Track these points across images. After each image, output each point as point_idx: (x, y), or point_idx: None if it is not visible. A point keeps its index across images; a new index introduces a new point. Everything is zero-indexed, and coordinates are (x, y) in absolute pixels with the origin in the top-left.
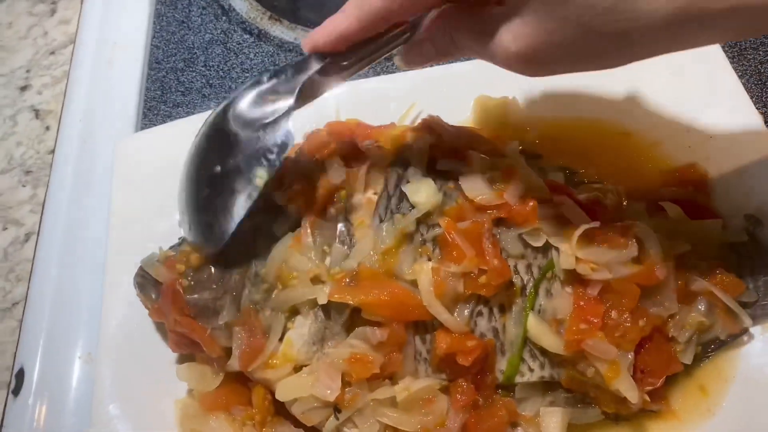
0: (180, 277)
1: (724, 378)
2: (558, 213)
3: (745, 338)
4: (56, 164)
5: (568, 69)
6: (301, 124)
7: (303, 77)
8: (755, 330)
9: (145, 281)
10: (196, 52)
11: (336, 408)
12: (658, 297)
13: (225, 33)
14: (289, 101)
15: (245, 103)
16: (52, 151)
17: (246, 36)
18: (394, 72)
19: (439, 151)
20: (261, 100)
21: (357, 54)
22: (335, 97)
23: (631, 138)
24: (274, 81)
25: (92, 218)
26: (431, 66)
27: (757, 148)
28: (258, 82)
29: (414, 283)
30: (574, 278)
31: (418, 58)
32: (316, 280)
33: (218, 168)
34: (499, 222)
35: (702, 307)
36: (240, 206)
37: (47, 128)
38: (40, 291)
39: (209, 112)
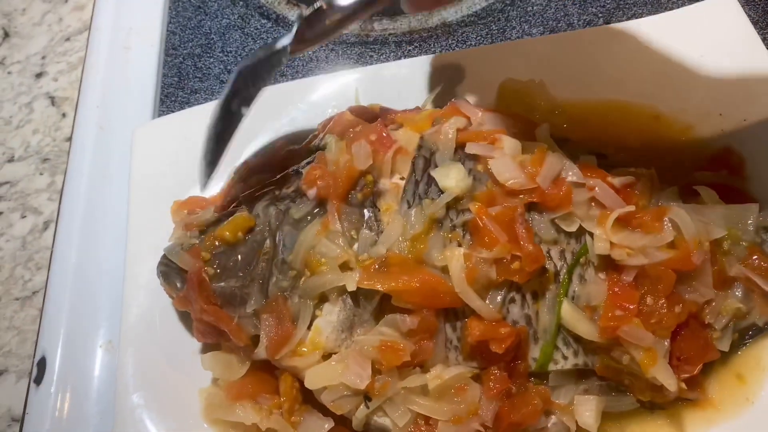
0: (206, 265)
1: (762, 366)
2: (591, 197)
3: None
4: (73, 152)
5: None
6: (322, 109)
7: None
8: None
9: (169, 270)
10: (213, 38)
11: (366, 396)
12: (693, 283)
13: (242, 18)
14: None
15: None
16: (69, 139)
17: (264, 21)
18: (413, 56)
19: (468, 135)
20: None
21: None
22: (355, 81)
23: (661, 121)
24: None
25: (111, 205)
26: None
27: None
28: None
29: (444, 270)
30: (609, 264)
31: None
32: (344, 266)
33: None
34: (530, 207)
35: (739, 293)
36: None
37: (63, 115)
38: (60, 279)
39: None
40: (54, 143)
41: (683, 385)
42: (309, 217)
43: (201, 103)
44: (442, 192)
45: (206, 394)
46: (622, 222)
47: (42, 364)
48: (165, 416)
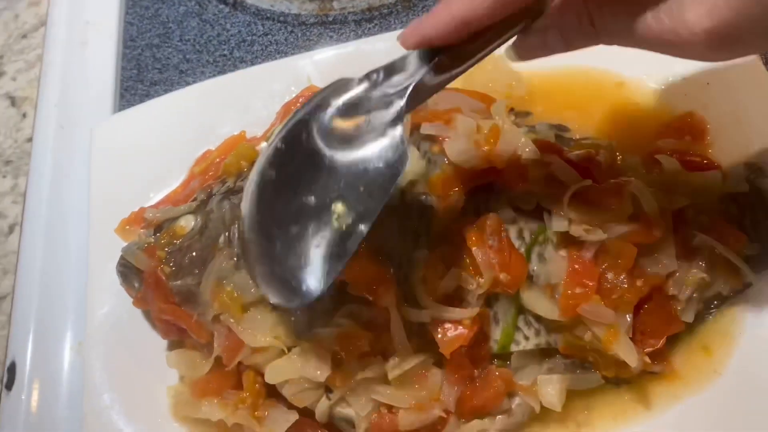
0: (161, 264)
1: (728, 336)
2: (548, 173)
3: (749, 293)
4: (35, 153)
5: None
6: (281, 96)
7: (411, 79)
8: (759, 284)
9: (127, 270)
10: (171, 26)
11: (327, 388)
12: (656, 255)
13: (199, 4)
14: (398, 105)
15: (332, 114)
16: (31, 140)
17: (221, 6)
18: (373, 34)
19: (423, 115)
20: (354, 109)
21: (474, 44)
22: (312, 64)
23: (624, 88)
24: (365, 85)
25: (74, 206)
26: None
27: (757, 94)
28: (344, 88)
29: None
30: (568, 241)
31: (537, 50)
32: None
33: (305, 200)
34: (487, 186)
35: (702, 263)
36: (341, 249)
37: (24, 115)
38: (27, 283)
39: (189, 87)
40: (16, 144)
41: (647, 359)
42: None
43: (161, 94)
44: None
45: (173, 391)
46: (580, 197)
47: (12, 370)
48: (134, 416)
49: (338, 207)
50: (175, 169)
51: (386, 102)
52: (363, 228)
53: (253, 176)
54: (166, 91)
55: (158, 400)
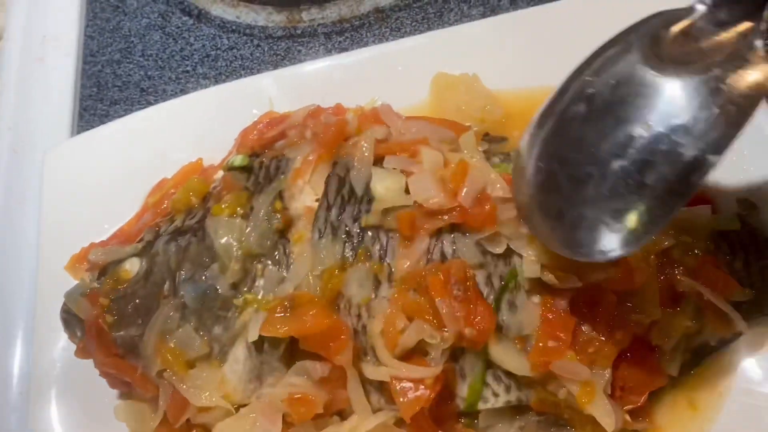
0: (103, 312)
1: (716, 391)
2: None
3: (740, 343)
4: None
5: None
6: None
7: None
8: (750, 335)
9: (69, 317)
10: (133, 41)
11: None
12: (637, 302)
13: (163, 16)
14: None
15: (666, 39)
16: None
17: (185, 18)
18: (344, 48)
19: (387, 146)
20: (688, 35)
21: None
22: (275, 84)
23: None
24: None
25: (27, 236)
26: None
27: (751, 126)
28: (672, 17)
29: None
30: (542, 287)
31: None
32: (247, 306)
33: (632, 131)
34: (453, 228)
35: (689, 309)
36: (682, 184)
37: None
38: None
39: (145, 111)
40: None
41: (628, 417)
42: (207, 259)
43: (121, 115)
44: (357, 220)
45: None
46: None
47: None
48: None
49: (679, 136)
50: (130, 198)
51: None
52: (713, 159)
53: (548, 118)
54: (126, 111)
55: None
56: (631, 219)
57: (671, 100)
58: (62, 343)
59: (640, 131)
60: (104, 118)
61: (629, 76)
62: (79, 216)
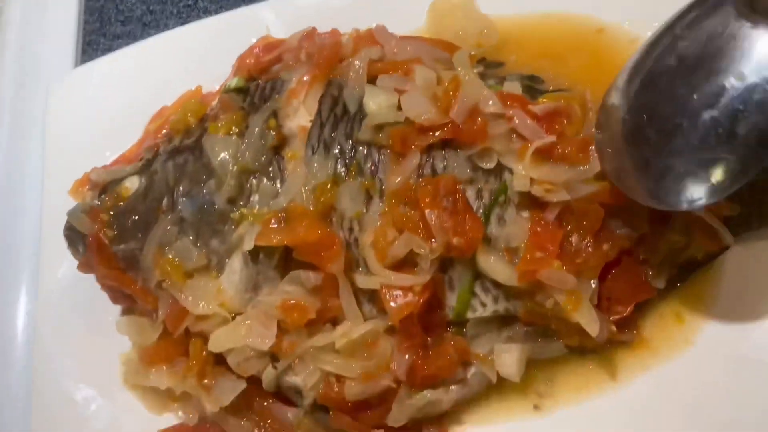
0: (105, 227)
1: (702, 304)
2: (512, 129)
3: (726, 258)
4: None
5: None
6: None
7: None
8: (736, 248)
9: (72, 234)
10: None
11: (274, 357)
12: (626, 216)
13: None
14: None
15: None
16: None
17: None
18: None
19: (381, 66)
20: None
21: None
22: (274, 12)
23: (605, 34)
24: None
25: (32, 166)
26: None
27: None
28: None
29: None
30: (530, 202)
31: None
32: (242, 220)
33: (724, 81)
34: (445, 144)
35: (677, 224)
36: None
37: None
38: None
39: (146, 41)
40: None
41: (614, 328)
42: (204, 176)
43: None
44: (349, 137)
45: (125, 359)
46: (544, 154)
47: None
48: (85, 383)
49: None
50: (131, 126)
51: None
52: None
53: (637, 73)
54: (128, 45)
55: (111, 366)
56: (719, 169)
57: (766, 51)
58: (67, 264)
59: (733, 82)
60: (107, 52)
61: (723, 29)
62: (82, 145)
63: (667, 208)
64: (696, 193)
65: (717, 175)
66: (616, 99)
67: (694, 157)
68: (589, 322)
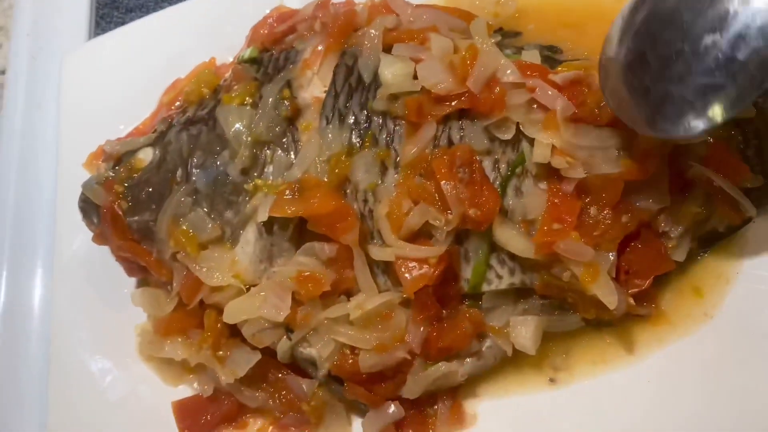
0: (120, 199)
1: (722, 277)
2: (531, 99)
3: (748, 230)
4: (8, 85)
5: None
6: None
7: None
8: (759, 221)
9: (86, 205)
10: None
11: (288, 328)
12: (646, 189)
13: None
14: None
15: None
16: (4, 72)
17: None
18: None
19: (396, 35)
20: None
21: None
22: None
23: (624, 2)
24: None
25: (47, 139)
26: None
27: None
28: None
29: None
30: (549, 173)
31: None
32: (256, 191)
33: (729, 9)
34: (462, 113)
35: (699, 196)
36: None
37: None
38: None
39: (160, 12)
40: None
41: (632, 301)
42: (218, 147)
43: None
44: (364, 107)
45: (140, 330)
46: (565, 124)
47: None
48: (102, 354)
49: None
50: (146, 99)
51: None
52: None
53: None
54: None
55: (127, 338)
56: (718, 95)
57: None
58: (82, 236)
59: (736, 6)
60: (120, 25)
61: None
62: (96, 117)
63: (665, 136)
64: (693, 120)
65: (714, 101)
66: (619, 28)
67: (693, 82)
68: (607, 294)
